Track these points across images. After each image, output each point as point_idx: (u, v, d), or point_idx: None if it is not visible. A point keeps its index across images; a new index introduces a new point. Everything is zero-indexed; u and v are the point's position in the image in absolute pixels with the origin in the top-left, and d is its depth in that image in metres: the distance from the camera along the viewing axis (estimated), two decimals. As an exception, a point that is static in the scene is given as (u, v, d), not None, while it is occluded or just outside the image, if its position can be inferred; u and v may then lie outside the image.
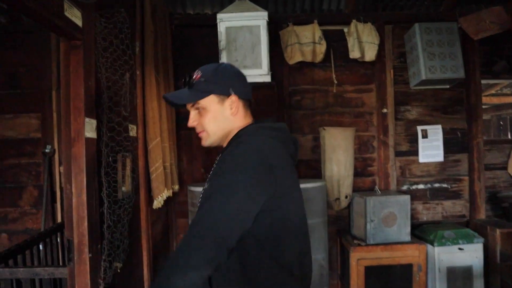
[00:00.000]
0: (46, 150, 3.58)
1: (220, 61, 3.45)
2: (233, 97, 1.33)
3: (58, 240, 2.91)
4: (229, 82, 1.33)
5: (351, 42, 3.69)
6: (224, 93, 1.33)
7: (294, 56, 3.71)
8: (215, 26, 3.49)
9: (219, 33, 3.47)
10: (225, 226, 1.08)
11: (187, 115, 3.82)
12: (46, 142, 3.61)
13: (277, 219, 1.18)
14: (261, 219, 1.15)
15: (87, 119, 1.89)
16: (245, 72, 3.56)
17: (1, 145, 3.68)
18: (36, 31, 3.60)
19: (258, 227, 1.15)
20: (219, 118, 1.34)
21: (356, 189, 3.87)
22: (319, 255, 3.39)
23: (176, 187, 3.45)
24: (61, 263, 2.84)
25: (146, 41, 2.77)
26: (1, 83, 3.67)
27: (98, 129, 2.00)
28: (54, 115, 3.53)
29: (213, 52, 3.59)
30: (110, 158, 2.07)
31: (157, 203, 2.82)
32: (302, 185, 3.29)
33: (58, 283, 2.38)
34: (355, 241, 3.42)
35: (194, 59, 3.83)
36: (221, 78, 1.33)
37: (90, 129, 1.92)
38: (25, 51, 3.66)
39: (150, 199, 2.87)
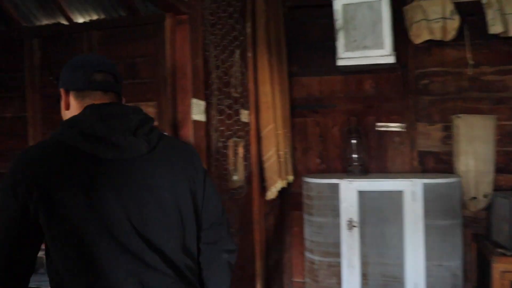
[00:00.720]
0: (162, 138, 3.56)
1: (337, 43, 3.09)
2: (61, 90, 1.18)
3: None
4: (62, 74, 1.21)
5: (491, 15, 3.05)
6: (60, 87, 1.20)
7: (420, 34, 3.18)
8: (330, 6, 3.13)
9: (335, 12, 3.10)
10: None
11: (302, 101, 3.55)
12: (161, 130, 3.60)
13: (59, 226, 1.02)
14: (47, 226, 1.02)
15: (194, 100, 1.68)
16: (365, 53, 3.19)
17: (123, 134, 3.76)
18: (152, 23, 3.59)
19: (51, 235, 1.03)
20: (62, 113, 1.21)
21: (497, 187, 3.20)
22: (452, 262, 2.86)
23: (291, 177, 3.17)
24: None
25: (258, 21, 2.52)
26: (123, 73, 3.74)
27: (207, 112, 1.79)
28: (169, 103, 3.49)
29: (328, 33, 3.24)
30: (221, 144, 1.85)
31: (271, 193, 2.58)
32: (430, 181, 2.85)
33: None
34: (498, 250, 2.81)
35: (307, 42, 3.50)
36: (62, 71, 1.22)
37: (198, 111, 1.71)
38: (142, 42, 3.68)
39: (263, 190, 2.64)
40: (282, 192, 3.04)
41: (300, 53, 3.50)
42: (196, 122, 1.68)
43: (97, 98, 1.14)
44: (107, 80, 1.15)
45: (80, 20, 3.84)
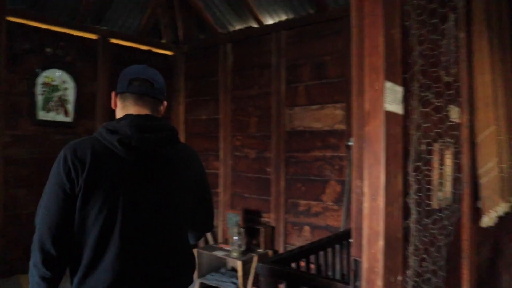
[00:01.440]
0: (350, 143, 3.07)
1: None
2: (112, 93, 1.37)
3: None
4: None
5: None
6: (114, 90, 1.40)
7: None
8: None
9: None
10: (46, 221, 1.17)
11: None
12: (349, 135, 3.13)
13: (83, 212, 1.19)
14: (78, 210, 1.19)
15: (388, 84, 1.16)
16: None
17: (308, 137, 3.42)
18: (341, 17, 3.16)
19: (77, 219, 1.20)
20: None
21: None
22: None
23: (516, 199, 2.31)
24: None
25: (477, -12, 1.82)
26: (309, 73, 3.42)
27: (405, 102, 1.25)
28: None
29: None
30: (424, 147, 1.28)
31: (489, 219, 1.83)
32: None
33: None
34: None
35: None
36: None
37: (393, 99, 1.18)
38: (329, 39, 3.29)
39: (475, 212, 1.91)
40: (500, 216, 2.22)
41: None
42: (389, 114, 1.16)
43: (134, 101, 1.31)
44: (142, 86, 1.31)
45: (270, 21, 3.68)
